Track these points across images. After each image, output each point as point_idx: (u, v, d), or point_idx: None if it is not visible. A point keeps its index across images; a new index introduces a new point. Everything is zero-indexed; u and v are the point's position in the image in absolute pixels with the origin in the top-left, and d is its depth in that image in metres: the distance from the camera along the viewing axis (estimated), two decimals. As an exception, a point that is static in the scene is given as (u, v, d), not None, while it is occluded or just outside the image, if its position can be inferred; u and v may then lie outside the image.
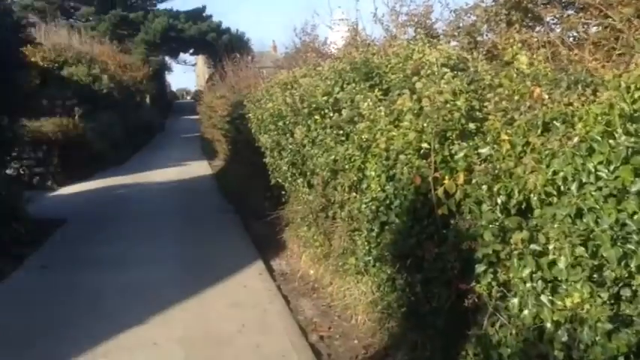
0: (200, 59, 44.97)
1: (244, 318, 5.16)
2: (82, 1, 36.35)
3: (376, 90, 4.88)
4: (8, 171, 10.75)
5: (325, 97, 5.57)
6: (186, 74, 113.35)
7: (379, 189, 4.26)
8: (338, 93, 5.44)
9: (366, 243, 4.62)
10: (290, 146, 6.40)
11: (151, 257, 7.27)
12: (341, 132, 5.11)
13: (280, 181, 7.18)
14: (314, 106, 5.71)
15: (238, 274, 6.47)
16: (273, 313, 5.34)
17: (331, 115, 5.34)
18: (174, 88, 58.75)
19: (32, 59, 13.36)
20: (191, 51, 42.51)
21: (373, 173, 4.33)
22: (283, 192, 7.27)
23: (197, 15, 38.95)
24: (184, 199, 12.07)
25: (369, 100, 4.68)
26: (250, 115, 8.47)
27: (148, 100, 29.93)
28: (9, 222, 7.24)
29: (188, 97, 58.13)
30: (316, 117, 5.62)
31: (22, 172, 12.98)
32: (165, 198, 12.20)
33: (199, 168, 17.12)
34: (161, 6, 39.91)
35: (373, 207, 4.31)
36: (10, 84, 8.26)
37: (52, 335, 4.86)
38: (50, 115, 14.44)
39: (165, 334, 4.85)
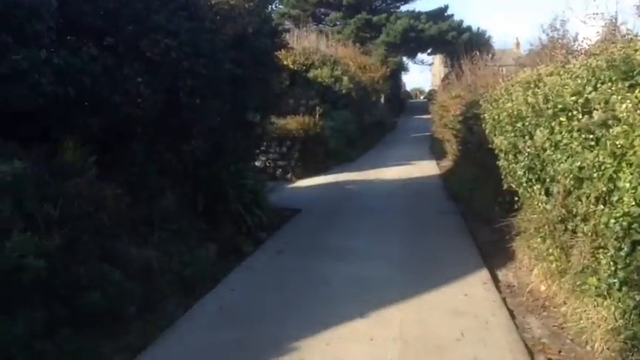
0: (437, 59, 44.88)
1: (464, 327, 4.93)
2: (332, 7, 39.07)
3: (637, 90, 4.21)
4: (257, 163, 12.02)
5: (574, 97, 5.00)
6: (422, 74, 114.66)
7: (633, 203, 3.67)
8: (590, 93, 4.83)
9: (612, 263, 4.04)
10: (528, 149, 5.92)
11: (373, 252, 7.43)
12: (590, 136, 4.54)
13: (514, 186, 6.72)
14: (560, 106, 5.17)
15: (460, 280, 6.23)
16: (495, 326, 5.01)
17: (580, 117, 4.78)
18: (408, 87, 59.65)
19: (285, 62, 14.68)
20: (429, 50, 42.68)
21: (627, 185, 3.76)
22: (516, 198, 6.80)
23: (438, 15, 38.96)
24: (409, 198, 12.13)
25: (627, 101, 4.06)
26: (485, 115, 8.10)
27: (382, 99, 30.87)
28: (253, 209, 8.06)
29: (421, 97, 58.52)
30: (562, 119, 5.08)
31: (267, 164, 14.42)
32: (390, 195, 12.42)
33: (427, 167, 17.09)
34: (404, 8, 40.90)
35: (624, 223, 3.74)
36: (265, 85, 9.17)
37: (282, 316, 5.22)
38: (295, 114, 15.76)
39: (382, 331, 4.86)
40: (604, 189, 4.16)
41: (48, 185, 4.78)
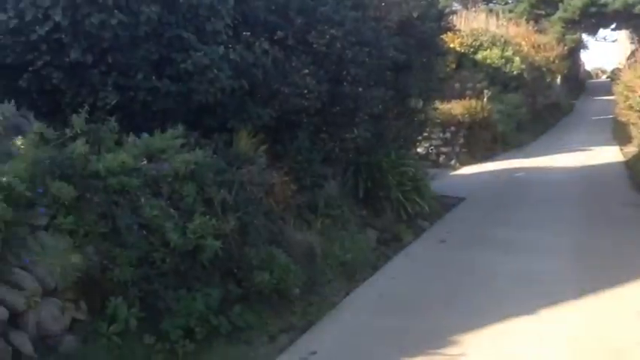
0: (622, 34, 40.45)
1: (649, 331, 4.46)
2: (503, -16, 36.95)
3: None
4: (419, 150, 11.86)
5: None
6: (604, 52, 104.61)
7: None
8: None
9: None
10: None
11: (543, 245, 7.00)
12: None
13: None
14: None
15: (644, 278, 5.64)
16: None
17: None
18: (588, 67, 54.41)
19: (451, 45, 14.25)
20: (612, 26, 38.48)
21: None
22: None
23: (624, -14, 34.92)
24: (587, 187, 11.22)
25: None
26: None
27: (558, 80, 28.61)
28: (414, 196, 7.98)
29: (603, 77, 53.18)
30: None
31: (430, 150, 14.14)
32: (565, 184, 11.52)
33: (608, 154, 15.58)
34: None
35: None
36: (429, 70, 9.01)
37: (442, 307, 5.13)
38: (461, 98, 15.25)
39: (552, 331, 4.59)
40: None
41: (224, 172, 5.19)
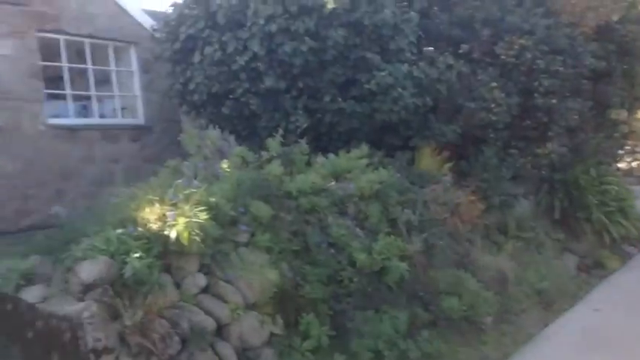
0: None
1: None
2: None
3: None
4: (621, 165, 10.63)
5: None
6: None
7: None
8: None
9: None
10: None
11: None
12: None
13: None
14: None
15: None
16: None
17: None
18: None
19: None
20: None
21: None
22: None
23: None
24: None
25: None
26: None
27: None
28: (618, 218, 7.14)
29: None
30: None
31: (634, 166, 12.66)
32: None
33: None
34: None
35: None
36: (632, 77, 8.12)
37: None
38: (669, 105, 13.47)
39: None
40: None
41: (408, 192, 5.11)
